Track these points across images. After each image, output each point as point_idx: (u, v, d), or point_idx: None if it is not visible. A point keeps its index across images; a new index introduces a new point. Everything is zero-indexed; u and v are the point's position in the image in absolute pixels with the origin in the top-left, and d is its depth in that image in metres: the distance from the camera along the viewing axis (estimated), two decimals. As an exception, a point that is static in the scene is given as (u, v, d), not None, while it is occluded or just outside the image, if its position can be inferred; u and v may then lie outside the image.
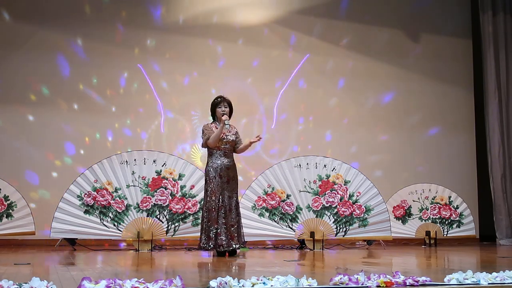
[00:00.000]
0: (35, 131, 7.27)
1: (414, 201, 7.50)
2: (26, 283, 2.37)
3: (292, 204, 6.54)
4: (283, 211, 6.51)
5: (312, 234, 6.48)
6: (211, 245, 5.23)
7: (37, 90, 7.35)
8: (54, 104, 7.37)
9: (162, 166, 6.34)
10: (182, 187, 6.32)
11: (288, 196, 6.56)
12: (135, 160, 6.33)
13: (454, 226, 7.54)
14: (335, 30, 8.57)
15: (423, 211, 7.50)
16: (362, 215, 6.65)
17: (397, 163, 8.56)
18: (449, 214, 7.54)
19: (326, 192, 6.63)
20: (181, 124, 7.83)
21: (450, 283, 2.71)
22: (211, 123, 5.51)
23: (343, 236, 6.62)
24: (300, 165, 6.67)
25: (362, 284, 2.62)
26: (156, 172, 6.32)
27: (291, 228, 6.49)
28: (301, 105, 8.32)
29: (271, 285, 2.57)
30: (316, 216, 6.56)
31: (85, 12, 7.61)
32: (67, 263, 4.47)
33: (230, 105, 5.49)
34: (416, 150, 8.71)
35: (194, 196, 6.30)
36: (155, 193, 6.26)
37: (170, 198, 6.27)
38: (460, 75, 9.08)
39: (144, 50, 7.77)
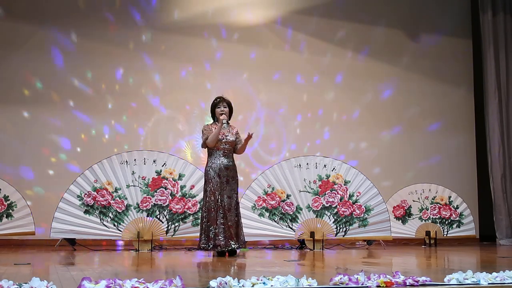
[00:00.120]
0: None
1: (414, 201, 7.50)
2: (26, 283, 2.36)
3: (292, 204, 6.54)
4: (283, 211, 6.51)
5: (312, 234, 6.48)
6: (211, 245, 5.24)
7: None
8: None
9: (162, 166, 6.34)
10: (182, 187, 6.32)
11: (288, 196, 6.56)
12: (135, 160, 6.33)
13: (454, 226, 7.54)
14: (335, 30, 8.56)
15: (423, 211, 7.50)
16: (362, 215, 6.65)
17: (397, 163, 8.56)
18: (449, 214, 7.54)
19: (326, 192, 6.63)
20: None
21: (450, 283, 2.71)
22: (211, 124, 5.51)
23: (343, 236, 6.62)
24: (300, 165, 6.67)
25: (362, 284, 2.62)
26: (156, 172, 6.32)
27: (291, 228, 6.49)
28: (299, 102, 8.31)
29: (271, 285, 2.57)
30: (316, 216, 6.56)
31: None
32: (67, 263, 4.47)
33: (229, 105, 5.50)
34: (416, 150, 8.71)
35: (194, 196, 6.30)
36: (155, 193, 6.26)
37: (170, 198, 6.27)
38: (460, 75, 9.08)
39: (141, 47, 7.75)
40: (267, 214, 6.48)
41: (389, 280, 2.62)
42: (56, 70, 7.43)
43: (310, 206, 6.57)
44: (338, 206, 6.62)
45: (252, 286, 2.54)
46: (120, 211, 6.19)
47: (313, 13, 8.45)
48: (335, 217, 6.59)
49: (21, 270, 3.73)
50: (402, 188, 7.60)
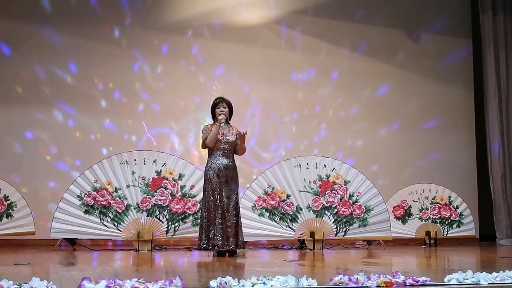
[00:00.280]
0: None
1: (414, 201, 7.50)
2: (26, 283, 2.36)
3: (292, 204, 6.54)
4: (283, 211, 6.51)
5: (312, 234, 6.48)
6: (211, 245, 5.24)
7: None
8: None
9: (162, 166, 6.34)
10: (182, 187, 6.32)
11: (288, 196, 6.56)
12: (135, 160, 6.33)
13: (454, 226, 7.54)
14: (335, 30, 8.56)
15: (423, 211, 7.50)
16: (362, 215, 6.65)
17: (397, 163, 8.56)
18: (449, 214, 7.54)
19: (326, 192, 6.63)
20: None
21: (450, 283, 2.71)
22: (211, 124, 5.51)
23: (343, 236, 6.62)
24: (300, 165, 6.66)
25: (362, 284, 2.62)
26: (156, 172, 6.32)
27: (291, 228, 6.49)
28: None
29: (271, 285, 2.56)
30: (316, 216, 6.56)
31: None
32: (67, 263, 4.47)
33: (229, 106, 5.51)
34: (416, 150, 8.72)
35: (194, 196, 6.30)
36: (155, 193, 6.26)
37: (170, 198, 6.27)
38: (460, 75, 9.08)
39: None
40: (267, 214, 6.48)
41: (389, 280, 2.62)
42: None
43: (310, 206, 6.57)
44: (338, 206, 6.62)
45: (252, 286, 2.54)
46: (120, 211, 6.19)
47: (310, 10, 8.45)
48: (335, 217, 6.59)
49: (21, 270, 3.73)
50: (402, 187, 7.60)
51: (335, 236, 6.62)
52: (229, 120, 5.55)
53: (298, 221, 6.51)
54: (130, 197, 6.23)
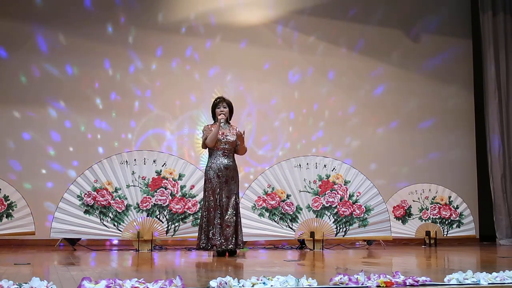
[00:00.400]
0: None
1: (414, 201, 7.50)
2: (26, 283, 2.36)
3: (292, 204, 6.54)
4: (283, 211, 6.51)
5: (312, 234, 6.48)
6: (209, 245, 5.24)
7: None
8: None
9: (162, 166, 6.34)
10: (182, 187, 6.32)
11: (288, 196, 6.56)
12: (135, 160, 6.32)
13: (454, 226, 7.54)
14: (335, 29, 8.56)
15: (423, 211, 7.50)
16: (362, 215, 6.65)
17: (397, 163, 8.56)
18: (449, 214, 7.54)
19: (326, 192, 6.63)
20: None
21: (450, 283, 2.71)
22: (211, 124, 5.51)
23: (343, 236, 6.62)
24: (300, 165, 6.66)
25: (362, 284, 2.62)
26: (156, 172, 6.32)
27: (291, 228, 6.49)
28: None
29: (271, 285, 2.56)
30: (316, 216, 6.56)
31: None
32: (67, 263, 4.47)
33: (229, 105, 5.51)
34: (416, 150, 8.71)
35: (194, 196, 6.30)
36: (155, 193, 6.26)
37: (170, 198, 6.27)
38: (460, 75, 9.09)
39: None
40: (267, 214, 6.48)
41: (389, 280, 2.62)
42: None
43: (310, 206, 6.57)
44: (338, 206, 6.62)
45: (252, 286, 2.54)
46: (120, 211, 6.19)
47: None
48: (335, 217, 6.59)
49: (21, 270, 3.73)
50: (402, 188, 7.60)
51: (335, 236, 6.62)
52: (230, 119, 5.55)
53: (298, 221, 6.51)
54: (130, 197, 6.23)
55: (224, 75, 8.05)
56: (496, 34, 8.63)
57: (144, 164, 6.32)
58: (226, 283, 2.46)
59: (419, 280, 2.67)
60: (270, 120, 8.19)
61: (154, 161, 6.35)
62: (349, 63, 8.56)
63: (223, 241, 5.22)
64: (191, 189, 6.32)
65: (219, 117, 5.37)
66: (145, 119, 7.69)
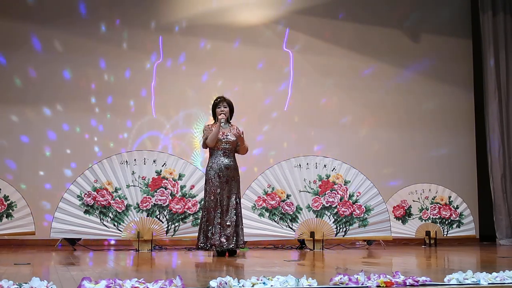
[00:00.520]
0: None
1: (414, 201, 7.50)
2: (26, 283, 2.36)
3: (292, 204, 6.54)
4: (283, 211, 6.51)
5: (312, 234, 6.48)
6: (209, 245, 5.24)
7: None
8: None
9: (162, 166, 6.34)
10: (182, 187, 6.32)
11: (288, 196, 6.56)
12: (135, 160, 6.32)
13: (454, 226, 7.54)
14: (334, 29, 8.57)
15: (423, 211, 7.50)
16: (362, 215, 6.65)
17: (397, 163, 8.56)
18: (449, 214, 7.54)
19: (326, 192, 6.63)
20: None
21: (450, 283, 2.71)
22: (212, 124, 5.51)
23: (343, 236, 6.62)
24: (300, 165, 6.66)
25: (362, 284, 2.62)
26: (156, 172, 6.32)
27: (291, 228, 6.49)
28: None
29: (271, 285, 2.56)
30: (316, 216, 6.56)
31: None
32: (67, 263, 4.47)
33: (230, 105, 5.51)
34: (416, 150, 8.72)
35: (194, 196, 6.30)
36: (155, 193, 6.26)
37: (170, 198, 6.27)
38: (460, 75, 9.09)
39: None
40: (267, 214, 6.48)
41: (389, 280, 2.62)
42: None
43: (310, 206, 6.57)
44: (338, 206, 6.62)
45: (252, 286, 2.54)
46: (120, 211, 6.19)
47: (307, 10, 8.44)
48: (335, 217, 6.59)
49: (21, 270, 3.73)
50: (402, 188, 7.60)
51: (335, 236, 6.62)
52: (230, 119, 5.55)
53: (298, 221, 6.51)
54: (130, 197, 6.23)
55: (219, 75, 8.04)
56: (496, 34, 8.64)
57: (144, 164, 6.32)
58: (226, 283, 2.46)
59: (419, 280, 2.67)
60: (265, 120, 8.18)
61: (154, 161, 6.35)
62: (348, 63, 8.56)
63: (223, 240, 5.22)
64: (191, 189, 6.32)
65: (219, 116, 5.36)
66: (141, 120, 7.69)
